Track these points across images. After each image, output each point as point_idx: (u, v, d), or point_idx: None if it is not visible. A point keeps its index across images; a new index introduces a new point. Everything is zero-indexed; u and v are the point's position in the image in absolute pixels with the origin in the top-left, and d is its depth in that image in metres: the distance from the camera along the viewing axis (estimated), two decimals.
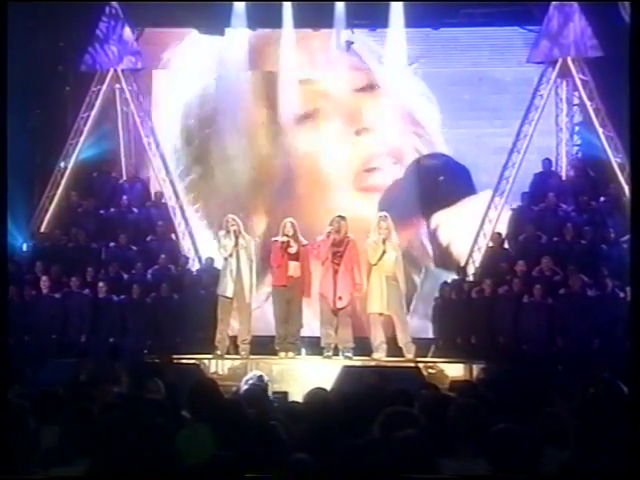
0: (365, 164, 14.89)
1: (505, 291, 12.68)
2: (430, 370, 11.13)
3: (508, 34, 15.11)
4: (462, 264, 14.16)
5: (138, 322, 12.94)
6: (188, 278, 13.55)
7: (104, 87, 15.12)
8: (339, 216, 11.58)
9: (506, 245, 13.88)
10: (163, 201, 15.01)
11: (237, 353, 11.92)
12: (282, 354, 11.53)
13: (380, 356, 11.39)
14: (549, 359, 12.12)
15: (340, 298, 11.29)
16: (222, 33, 15.14)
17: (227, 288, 11.65)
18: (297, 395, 7.50)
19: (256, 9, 14.83)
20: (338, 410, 4.87)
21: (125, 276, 13.56)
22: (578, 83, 14.45)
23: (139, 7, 14.84)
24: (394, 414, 4.61)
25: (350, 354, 11.44)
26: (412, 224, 14.53)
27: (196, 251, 14.78)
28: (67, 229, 14.45)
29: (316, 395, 5.03)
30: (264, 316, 12.54)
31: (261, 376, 7.30)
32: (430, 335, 13.19)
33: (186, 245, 14.84)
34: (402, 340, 11.50)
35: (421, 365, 11.11)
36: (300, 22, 14.86)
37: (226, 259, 11.74)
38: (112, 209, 14.79)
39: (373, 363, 11.22)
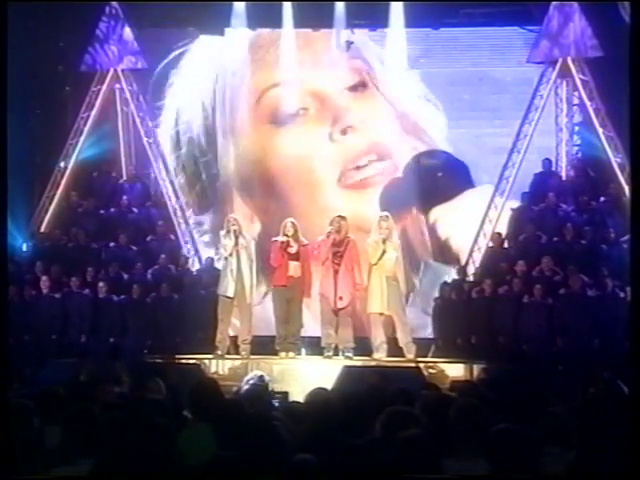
0: (353, 162, 14.85)
1: (505, 291, 12.68)
2: (430, 370, 11.13)
3: (508, 34, 15.11)
4: (461, 258, 14.23)
5: (138, 322, 12.93)
6: (188, 278, 13.55)
7: (104, 87, 15.12)
8: (339, 216, 11.58)
9: (506, 245, 13.89)
10: (163, 201, 15.01)
11: (237, 353, 11.92)
12: (282, 354, 11.53)
13: (381, 356, 11.40)
14: (549, 359, 12.12)
15: (341, 298, 11.30)
16: (222, 33, 15.14)
17: (228, 288, 11.64)
18: (298, 395, 7.51)
19: (256, 9, 14.83)
20: (339, 410, 4.87)
21: (125, 276, 13.56)
22: (578, 83, 14.45)
23: (139, 7, 14.85)
24: (395, 414, 4.62)
25: (350, 354, 11.45)
26: (411, 219, 14.54)
27: (196, 251, 14.78)
28: (67, 229, 14.45)
29: (318, 395, 5.02)
30: (265, 316, 12.54)
31: (262, 376, 7.30)
32: (428, 330, 13.23)
33: (186, 245, 14.84)
34: (403, 340, 11.51)
35: (422, 365, 11.11)
36: (300, 22, 14.86)
37: (226, 259, 11.74)
38: (112, 209, 14.79)
39: (373, 363, 11.22)
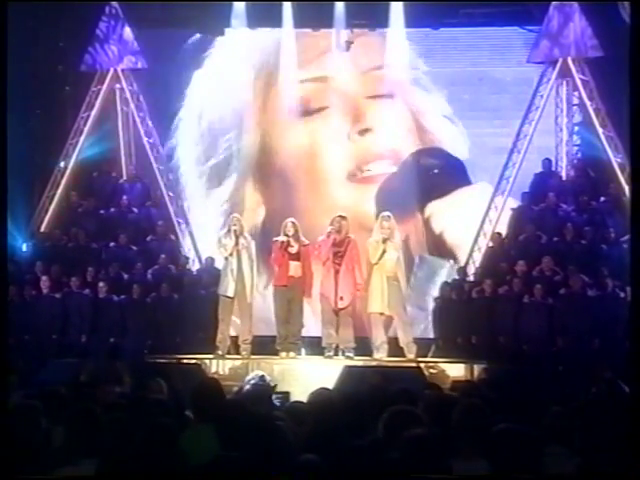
0: (366, 162, 14.91)
1: (505, 291, 12.69)
2: (431, 370, 11.12)
3: (508, 34, 15.11)
4: (456, 252, 14.26)
5: (138, 322, 12.93)
6: (188, 278, 13.55)
7: (104, 87, 15.12)
8: (340, 216, 11.57)
9: (506, 245, 13.89)
10: (163, 201, 15.02)
11: (238, 353, 11.90)
12: (283, 354, 11.51)
13: (381, 356, 11.39)
14: (550, 359, 12.13)
15: (341, 298, 11.29)
16: (222, 33, 15.14)
17: (228, 288, 11.63)
18: (298, 395, 7.49)
19: (256, 9, 14.83)
20: (342, 410, 4.87)
21: (125, 276, 13.57)
22: (578, 83, 14.46)
23: (139, 7, 14.85)
24: (398, 413, 4.62)
25: (351, 354, 11.44)
26: (407, 214, 14.55)
27: (196, 251, 14.77)
28: (67, 229, 14.45)
29: (320, 395, 5.02)
30: (265, 316, 12.54)
31: (263, 376, 7.29)
32: (421, 326, 13.23)
33: (186, 245, 14.83)
34: (403, 340, 11.50)
35: (422, 365, 11.11)
36: (300, 22, 14.86)
37: (227, 259, 11.73)
38: (112, 209, 14.79)
39: (374, 363, 11.20)
